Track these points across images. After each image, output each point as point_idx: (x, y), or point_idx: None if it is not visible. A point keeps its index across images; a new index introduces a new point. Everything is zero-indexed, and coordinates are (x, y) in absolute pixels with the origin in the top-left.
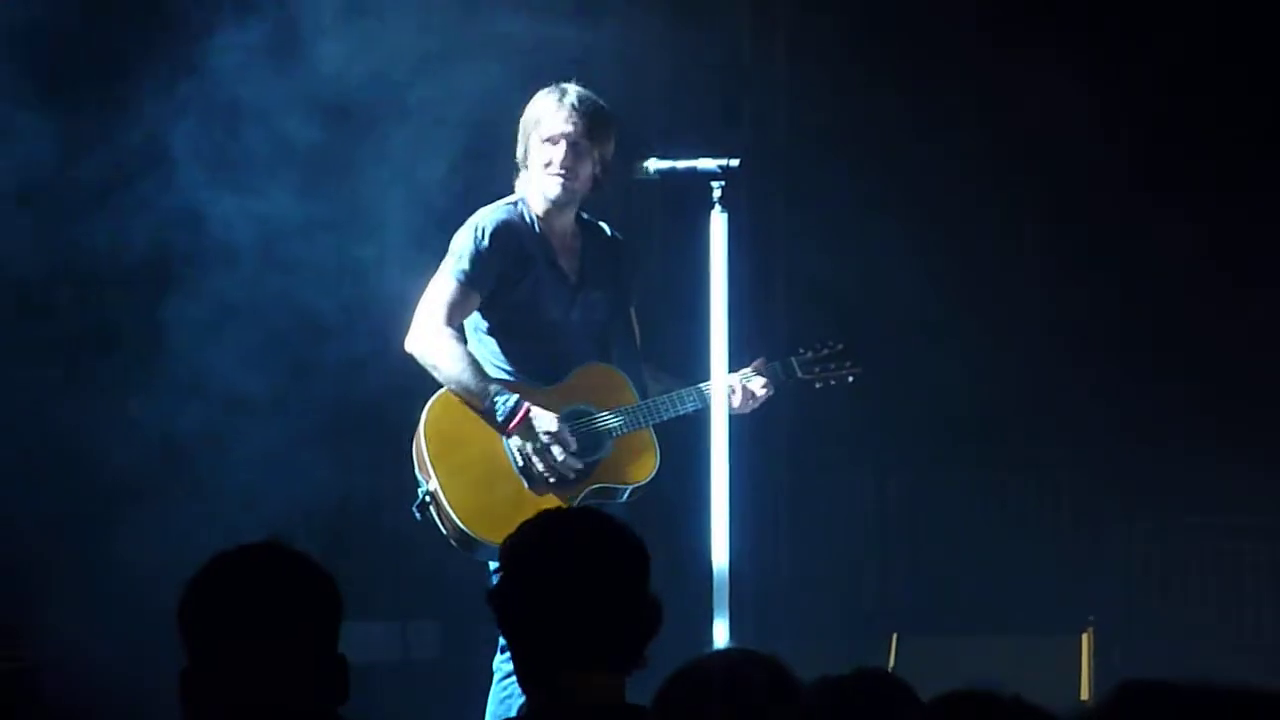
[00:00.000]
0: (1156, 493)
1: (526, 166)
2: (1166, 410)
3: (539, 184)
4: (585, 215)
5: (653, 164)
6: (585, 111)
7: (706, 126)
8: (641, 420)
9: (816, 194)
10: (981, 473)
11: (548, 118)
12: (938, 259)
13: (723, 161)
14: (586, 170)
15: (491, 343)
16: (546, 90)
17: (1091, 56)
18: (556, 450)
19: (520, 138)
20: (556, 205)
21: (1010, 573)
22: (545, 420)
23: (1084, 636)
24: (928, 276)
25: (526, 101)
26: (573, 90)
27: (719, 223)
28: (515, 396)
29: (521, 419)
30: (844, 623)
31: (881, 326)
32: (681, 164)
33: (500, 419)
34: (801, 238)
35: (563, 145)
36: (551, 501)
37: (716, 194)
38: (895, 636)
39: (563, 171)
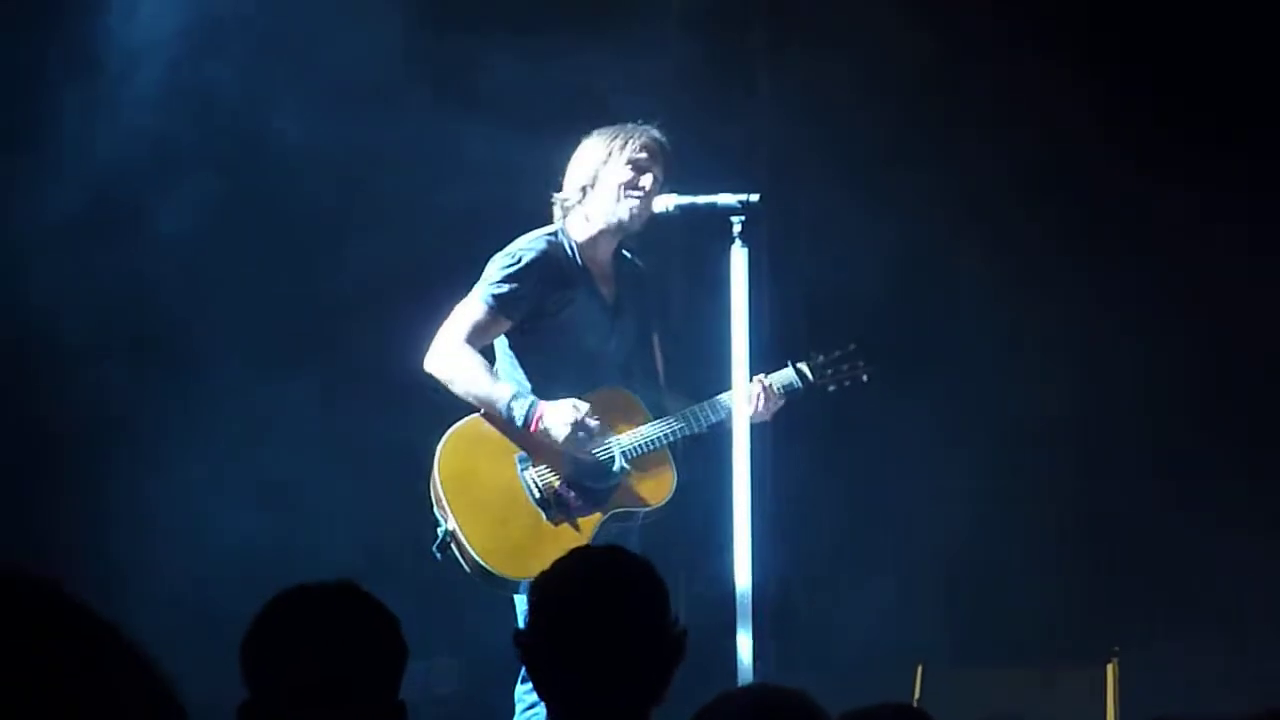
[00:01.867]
0: (1185, 513)
1: (589, 189)
2: (1199, 436)
3: (612, 205)
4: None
5: (673, 199)
6: (665, 150)
7: (725, 160)
8: (657, 440)
9: (839, 227)
10: (1009, 500)
11: (633, 143)
12: (964, 282)
13: (743, 196)
14: (654, 204)
15: (532, 372)
16: (622, 125)
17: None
18: (592, 423)
19: (584, 164)
20: (616, 230)
21: (1035, 602)
22: (564, 407)
23: (1109, 668)
24: (956, 301)
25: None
26: (650, 128)
27: (739, 258)
28: (531, 400)
29: (541, 415)
30: (867, 652)
31: (911, 352)
32: (702, 199)
33: (520, 424)
34: (824, 272)
35: (648, 171)
36: (570, 533)
37: (737, 229)
38: (920, 668)
39: (642, 193)
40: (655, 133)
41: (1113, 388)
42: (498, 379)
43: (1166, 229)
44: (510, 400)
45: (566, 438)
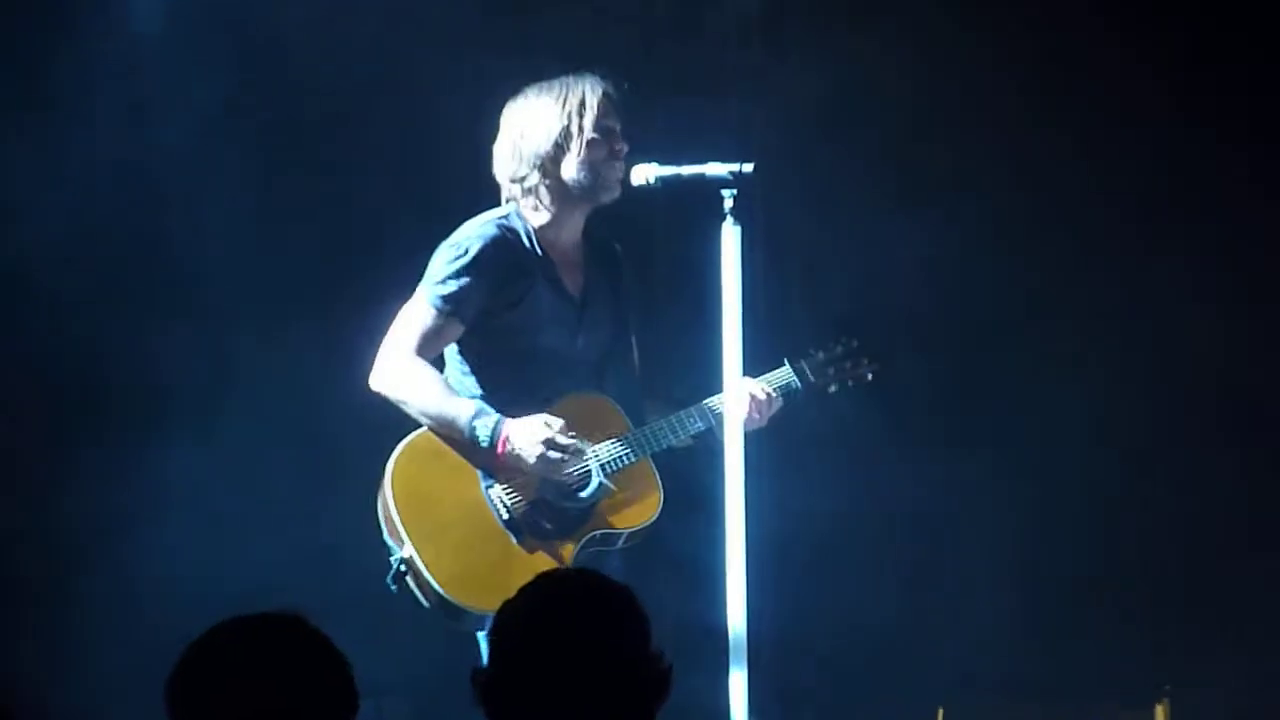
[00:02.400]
0: (1246, 540)
1: (549, 163)
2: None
3: (581, 180)
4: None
5: (652, 170)
6: (627, 104)
7: (714, 127)
8: (638, 450)
9: (842, 200)
10: (1043, 518)
11: (593, 100)
12: (981, 265)
13: (735, 166)
14: (630, 175)
15: (485, 378)
16: (571, 78)
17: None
18: (564, 439)
19: (538, 133)
20: (585, 207)
21: (1077, 634)
22: (534, 423)
23: (1159, 709)
24: (973, 290)
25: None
26: (599, 78)
27: (731, 236)
28: (496, 418)
29: (508, 436)
30: (881, 688)
31: (931, 348)
32: (687, 170)
33: (486, 445)
34: (826, 253)
35: (618, 133)
36: (544, 560)
37: (728, 204)
38: (941, 711)
39: (620, 161)
40: (609, 83)
41: (1166, 400)
42: (454, 395)
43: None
44: (472, 419)
45: (538, 460)
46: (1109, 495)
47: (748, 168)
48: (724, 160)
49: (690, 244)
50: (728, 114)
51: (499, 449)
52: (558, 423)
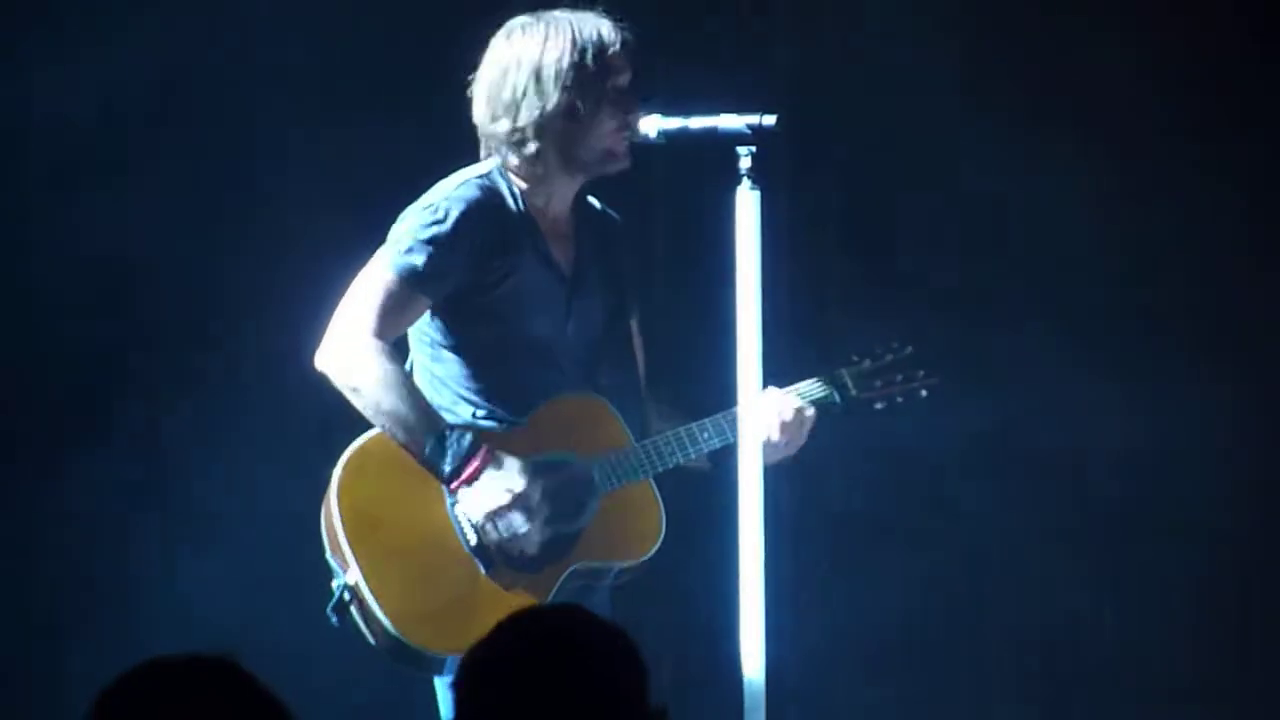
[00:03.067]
0: None
1: (552, 117)
2: None
3: (588, 145)
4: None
5: (656, 123)
6: (638, 56)
7: (729, 70)
8: (639, 469)
9: (877, 162)
10: (1110, 571)
11: (621, 59)
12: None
13: (753, 119)
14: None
15: (458, 366)
16: (582, 20)
17: None
18: (518, 519)
19: (540, 78)
20: (585, 173)
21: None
22: (509, 469)
23: None
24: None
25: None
26: (611, 20)
27: (748, 202)
28: (469, 437)
29: (478, 467)
30: None
31: (984, 353)
32: (697, 122)
33: (449, 467)
34: (868, 226)
35: (635, 100)
36: (519, 596)
37: (745, 164)
38: None
39: (633, 130)
40: (621, 25)
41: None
42: (417, 397)
43: None
44: (434, 436)
45: (486, 521)
46: None
47: (769, 120)
48: (740, 112)
49: (699, 212)
50: (745, 58)
51: (462, 475)
52: (536, 493)
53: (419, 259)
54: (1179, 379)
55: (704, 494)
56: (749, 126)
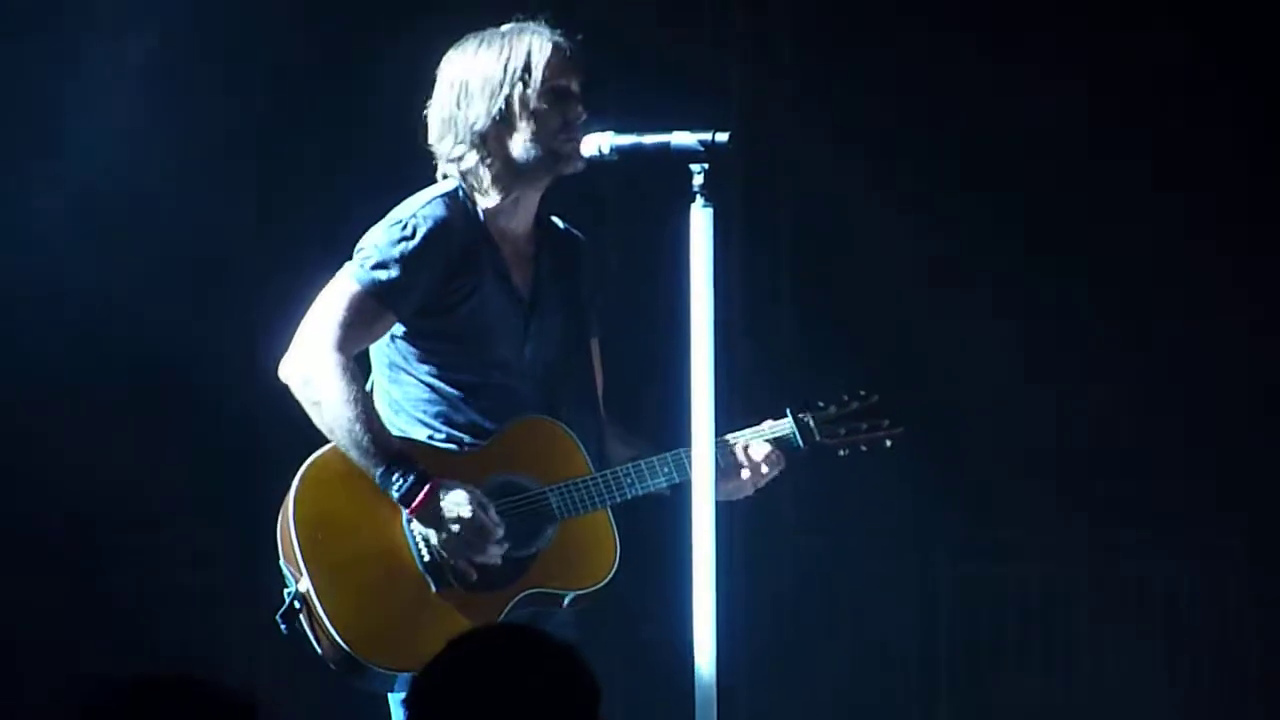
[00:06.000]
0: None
1: (496, 130)
2: None
3: (534, 154)
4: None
5: (607, 139)
6: (583, 62)
7: (683, 90)
8: (596, 499)
9: (832, 178)
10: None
11: (552, 61)
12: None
13: (706, 136)
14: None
15: (415, 388)
16: (514, 29)
17: None
18: (475, 543)
19: (481, 93)
20: (539, 186)
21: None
22: (459, 499)
23: None
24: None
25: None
26: (548, 28)
27: (701, 219)
28: (417, 470)
29: (425, 498)
30: None
31: (927, 360)
32: (650, 139)
33: (397, 495)
34: (813, 239)
35: (576, 101)
36: (463, 616)
37: (698, 180)
38: None
39: (577, 131)
40: (559, 33)
41: None
42: (374, 420)
43: None
44: (387, 466)
45: (444, 540)
46: None
47: (722, 137)
48: (693, 128)
49: (651, 231)
50: (700, 73)
51: (412, 505)
52: (497, 529)
53: (386, 274)
54: None
55: (660, 514)
56: (701, 143)
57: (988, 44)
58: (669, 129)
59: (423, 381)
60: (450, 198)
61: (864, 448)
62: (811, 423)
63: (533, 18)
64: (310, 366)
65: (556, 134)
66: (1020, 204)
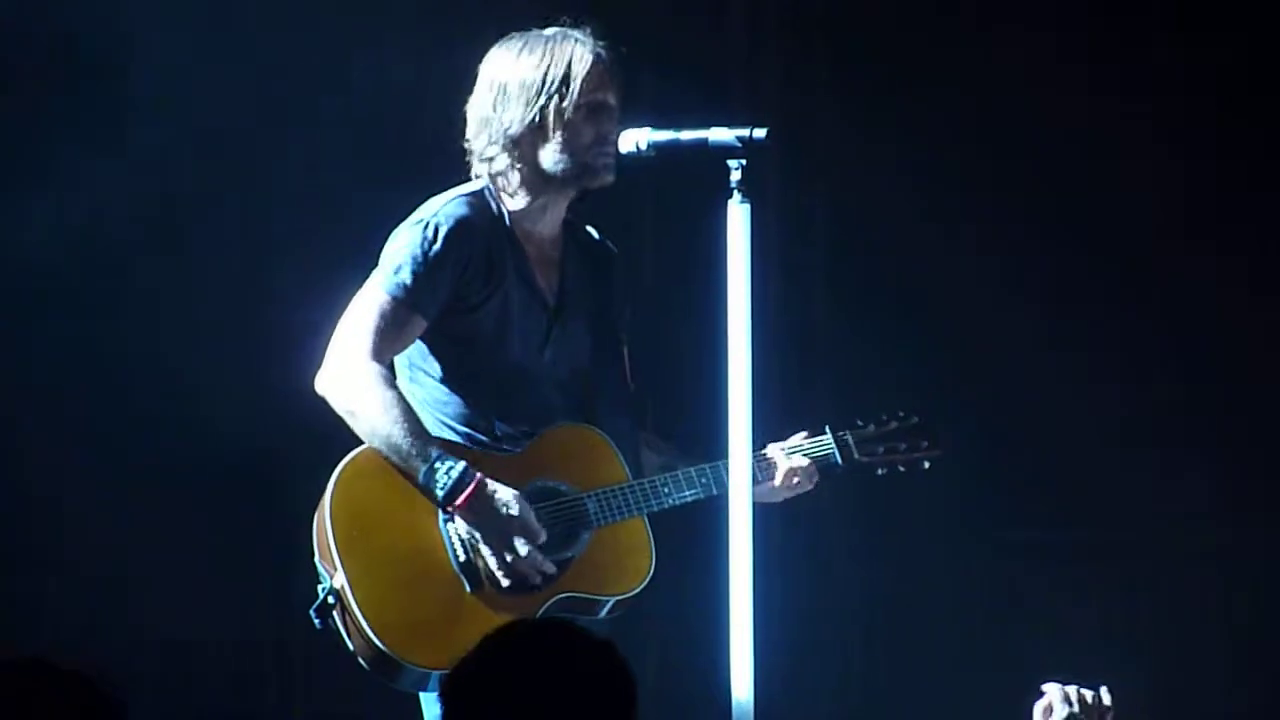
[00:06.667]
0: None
1: (527, 135)
2: None
3: (566, 161)
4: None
5: (645, 135)
6: (618, 68)
7: (718, 86)
8: (633, 506)
9: (871, 178)
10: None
11: (592, 74)
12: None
13: (743, 132)
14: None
15: (434, 388)
16: (558, 35)
17: None
18: (519, 543)
19: (515, 97)
20: (569, 192)
21: None
22: (504, 498)
23: None
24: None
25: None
26: (592, 38)
27: (739, 216)
28: (463, 464)
29: (471, 495)
30: None
31: (965, 357)
32: (687, 135)
33: (441, 493)
34: (850, 236)
35: (612, 115)
36: (502, 618)
37: (735, 176)
38: None
39: (612, 145)
40: (604, 50)
41: None
42: (413, 421)
43: None
44: (431, 461)
45: (488, 539)
46: None
47: (760, 133)
48: (731, 124)
49: (689, 228)
50: (734, 71)
51: (454, 504)
52: (540, 531)
53: (411, 278)
54: None
55: (697, 514)
56: (739, 139)
57: (1027, 41)
58: (706, 125)
59: (442, 381)
60: (474, 197)
61: (902, 468)
62: (851, 440)
63: (578, 23)
64: (346, 379)
65: (589, 147)
66: (1056, 203)
